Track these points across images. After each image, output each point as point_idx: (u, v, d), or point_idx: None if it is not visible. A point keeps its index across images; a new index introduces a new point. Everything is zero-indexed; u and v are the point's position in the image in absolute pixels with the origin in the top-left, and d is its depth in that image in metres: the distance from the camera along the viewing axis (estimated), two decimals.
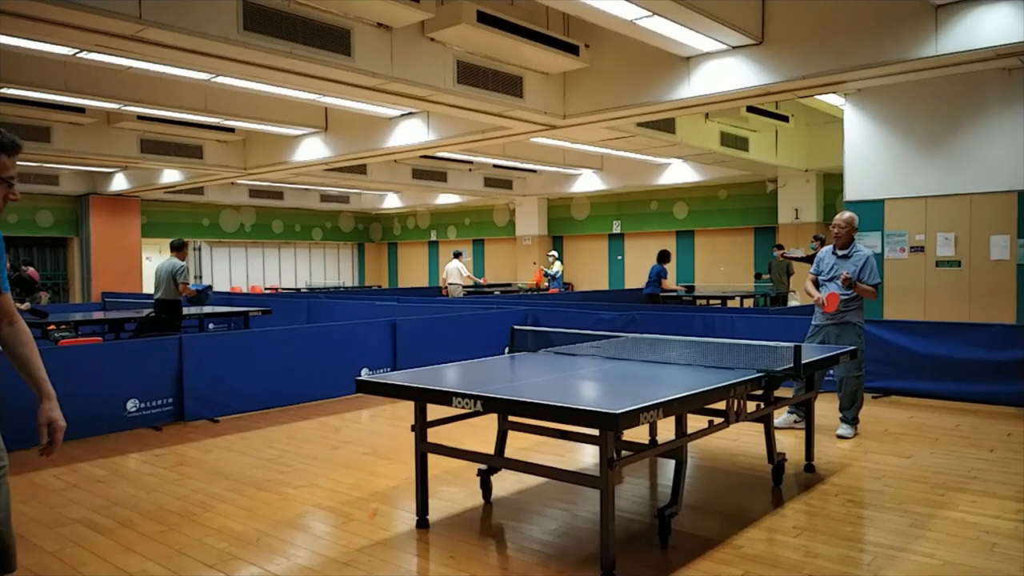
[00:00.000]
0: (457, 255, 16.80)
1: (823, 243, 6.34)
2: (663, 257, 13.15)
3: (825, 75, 7.44)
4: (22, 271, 12.96)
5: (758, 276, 16.15)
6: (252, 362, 7.28)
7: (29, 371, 2.35)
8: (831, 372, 6.33)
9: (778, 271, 14.29)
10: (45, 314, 9.25)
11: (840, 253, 6.08)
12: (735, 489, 4.71)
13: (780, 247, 14.74)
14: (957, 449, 5.55)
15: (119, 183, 17.81)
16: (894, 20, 6.95)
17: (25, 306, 9.20)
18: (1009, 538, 3.78)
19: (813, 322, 6.16)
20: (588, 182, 18.78)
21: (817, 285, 6.20)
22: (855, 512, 4.23)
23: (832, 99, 10.41)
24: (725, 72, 7.97)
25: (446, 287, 16.17)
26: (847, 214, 6.12)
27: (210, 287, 12.92)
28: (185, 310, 10.29)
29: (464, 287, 16.46)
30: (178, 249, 9.63)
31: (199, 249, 23.36)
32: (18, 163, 2.26)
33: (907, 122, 9.00)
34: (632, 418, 3.07)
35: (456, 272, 16.12)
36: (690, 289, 16.33)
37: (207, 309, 11.67)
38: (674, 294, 13.88)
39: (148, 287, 20.41)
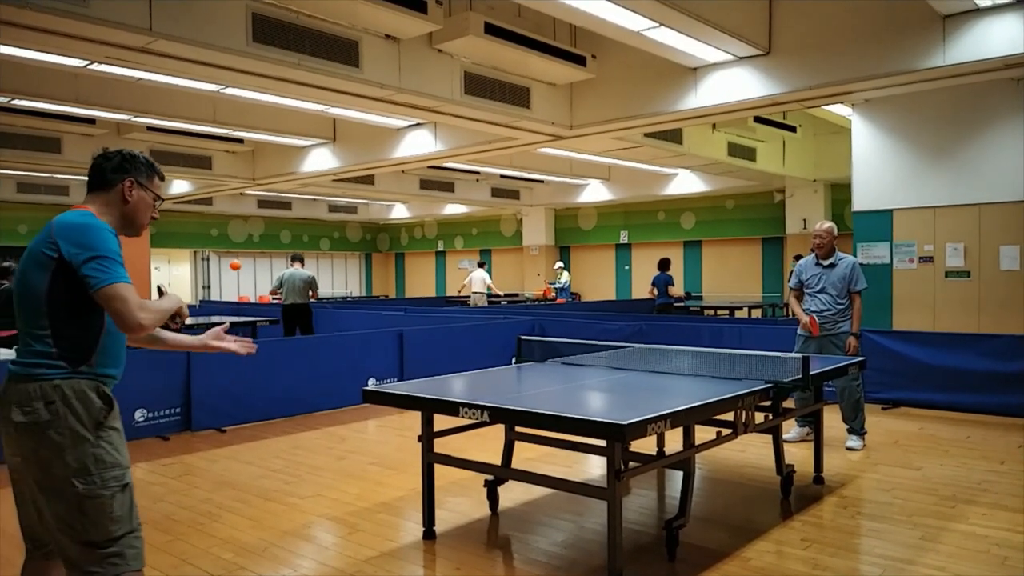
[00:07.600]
0: (481, 265, 16.88)
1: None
2: (664, 265, 13.15)
3: (832, 85, 7.44)
4: None
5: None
6: (259, 372, 7.28)
7: (176, 344, 2.61)
8: (830, 383, 6.28)
9: None
10: None
11: (825, 263, 6.01)
12: (743, 501, 4.68)
13: (799, 257, 14.75)
14: (967, 461, 5.51)
15: None
16: (901, 30, 6.95)
17: None
18: (1020, 551, 3.75)
19: (800, 332, 6.05)
20: (595, 192, 18.80)
21: (801, 298, 6.16)
22: (864, 525, 4.20)
23: (840, 109, 10.40)
24: (732, 82, 7.98)
25: (469, 295, 16.16)
26: (827, 223, 6.09)
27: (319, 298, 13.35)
28: (193, 320, 10.50)
29: (488, 296, 16.48)
30: (301, 260, 11.47)
31: (207, 259, 23.46)
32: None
33: (915, 132, 8.97)
34: (639, 429, 3.05)
35: (480, 281, 16.14)
36: (684, 298, 16.17)
37: (215, 319, 11.71)
38: (681, 303, 13.84)
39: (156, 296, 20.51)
